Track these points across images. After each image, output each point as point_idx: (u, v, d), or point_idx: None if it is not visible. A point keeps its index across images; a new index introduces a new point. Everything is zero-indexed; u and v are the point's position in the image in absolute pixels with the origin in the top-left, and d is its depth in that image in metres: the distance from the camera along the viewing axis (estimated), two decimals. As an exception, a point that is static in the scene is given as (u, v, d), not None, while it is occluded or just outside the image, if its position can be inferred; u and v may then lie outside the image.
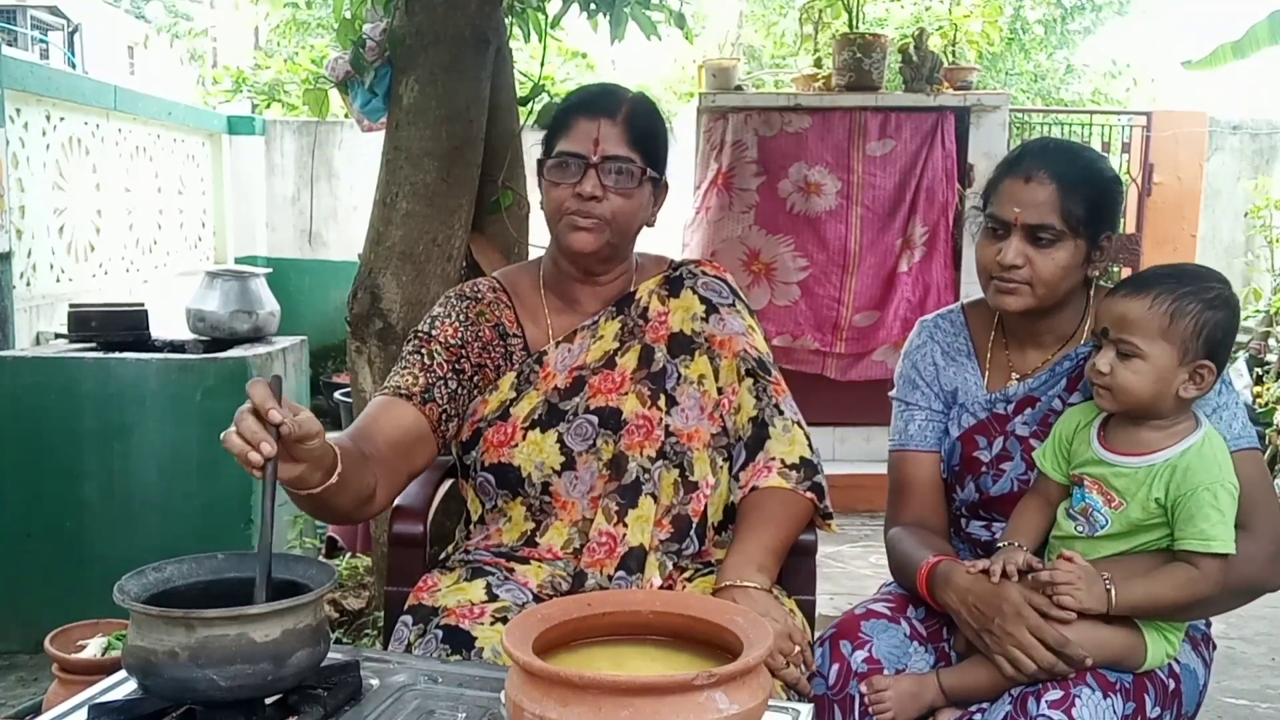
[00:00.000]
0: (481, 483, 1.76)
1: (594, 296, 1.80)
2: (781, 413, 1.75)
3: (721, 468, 1.75)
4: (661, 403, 1.73)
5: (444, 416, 1.73)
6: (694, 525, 1.71)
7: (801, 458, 1.72)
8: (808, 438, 1.76)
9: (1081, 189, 1.65)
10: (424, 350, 1.75)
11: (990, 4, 5.82)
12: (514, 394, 1.75)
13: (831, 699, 1.63)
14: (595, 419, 1.72)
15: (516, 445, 1.71)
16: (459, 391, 1.75)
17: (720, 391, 1.76)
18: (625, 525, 1.69)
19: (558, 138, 1.71)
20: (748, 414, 1.75)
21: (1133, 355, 1.53)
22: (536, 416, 1.73)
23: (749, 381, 1.76)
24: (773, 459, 1.71)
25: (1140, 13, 15.40)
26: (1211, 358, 1.53)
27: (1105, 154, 6.06)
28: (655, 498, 1.70)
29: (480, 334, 1.78)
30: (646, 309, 1.80)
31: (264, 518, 1.28)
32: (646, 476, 1.70)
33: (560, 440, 1.71)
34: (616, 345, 1.77)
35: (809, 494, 1.70)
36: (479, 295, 1.82)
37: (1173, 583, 1.50)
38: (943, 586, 1.62)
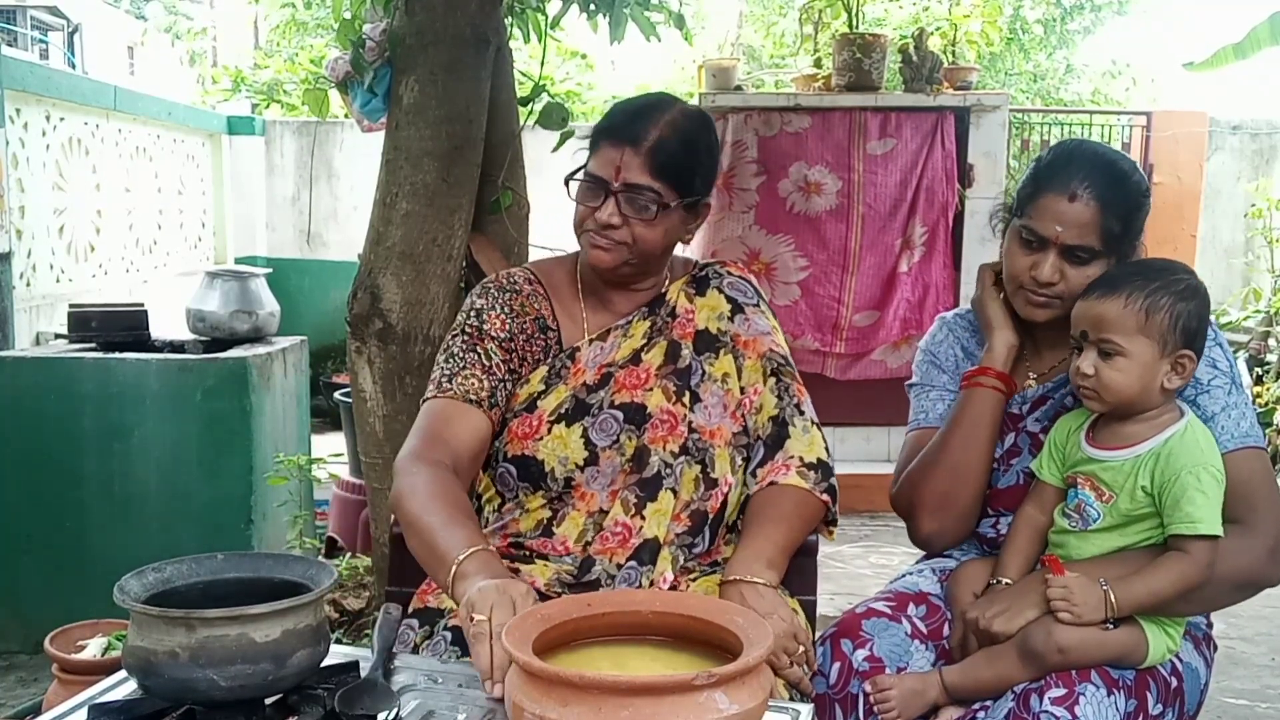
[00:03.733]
0: (502, 474, 1.75)
1: (628, 299, 1.81)
2: (802, 413, 1.76)
3: (740, 466, 1.75)
4: (686, 399, 1.74)
5: (503, 419, 1.75)
6: (710, 521, 1.71)
7: (819, 459, 1.72)
8: (824, 440, 1.76)
9: (1120, 209, 1.65)
10: (479, 349, 1.74)
11: (990, 4, 5.81)
12: (543, 387, 1.75)
13: (833, 698, 1.64)
14: (620, 414, 1.73)
15: (541, 439, 1.71)
16: (513, 393, 1.76)
17: (743, 391, 1.76)
18: (643, 518, 1.68)
19: (591, 154, 1.72)
20: (769, 413, 1.75)
21: (1115, 354, 1.55)
22: (563, 410, 1.73)
23: (772, 381, 1.77)
24: (792, 457, 1.71)
25: (1140, 13, 15.40)
26: (1189, 346, 1.56)
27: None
28: (675, 492, 1.70)
29: (525, 326, 1.78)
30: (675, 307, 1.81)
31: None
32: (669, 471, 1.70)
33: (585, 435, 1.71)
34: (644, 342, 1.78)
35: (824, 496, 1.70)
36: (517, 287, 1.81)
37: (1168, 573, 1.52)
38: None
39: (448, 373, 1.73)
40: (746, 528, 1.69)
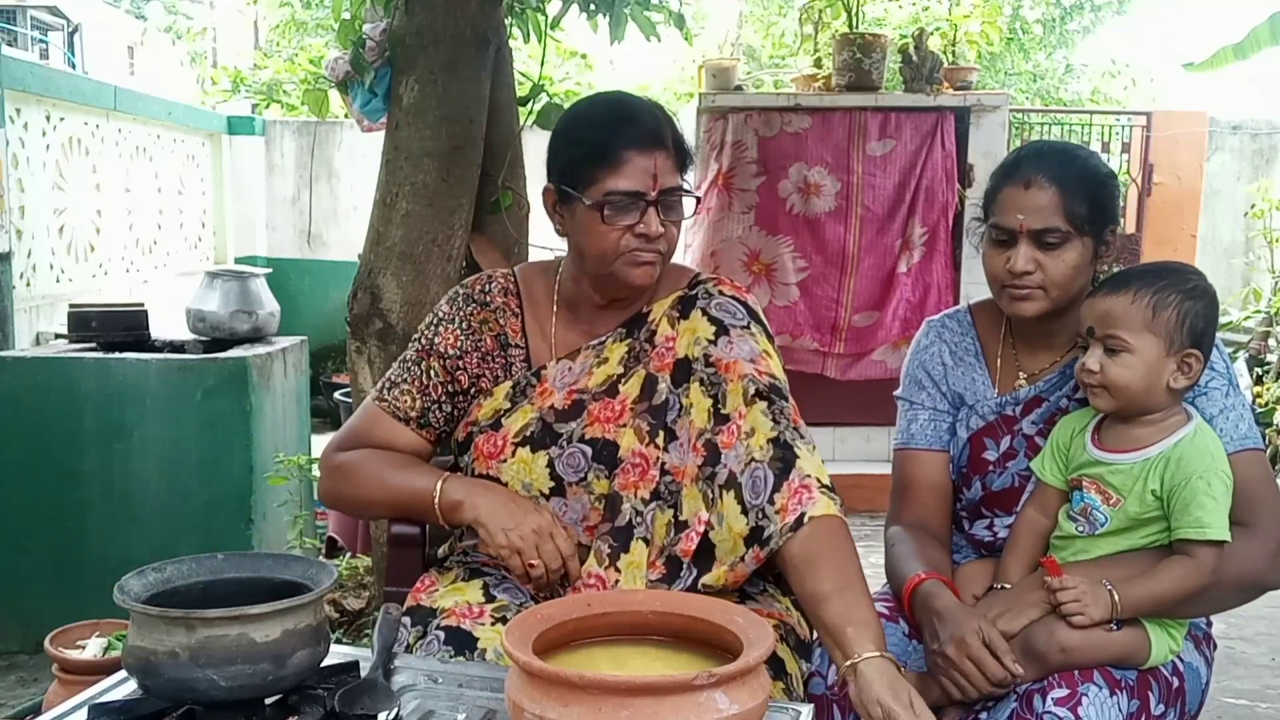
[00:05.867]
0: None
1: (607, 319, 1.73)
2: (803, 436, 1.59)
3: (716, 501, 1.57)
4: (660, 439, 1.64)
5: (441, 436, 1.78)
6: (684, 565, 1.61)
7: (829, 482, 1.56)
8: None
9: (1081, 188, 1.66)
10: (423, 364, 1.75)
11: (990, 4, 5.82)
12: (508, 404, 1.71)
13: (831, 699, 1.63)
14: (589, 450, 1.66)
15: (505, 460, 1.67)
16: (454, 414, 1.76)
17: (726, 419, 1.60)
18: (618, 570, 1.63)
19: (601, 173, 1.59)
20: (765, 435, 1.57)
21: (1121, 350, 1.55)
22: (530, 434, 1.67)
23: (761, 404, 1.59)
24: (808, 477, 1.53)
25: (1139, 12, 15.42)
26: (1197, 346, 1.56)
27: (1104, 153, 6.09)
28: (648, 541, 1.63)
29: (481, 343, 1.74)
30: (655, 332, 1.70)
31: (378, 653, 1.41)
32: (639, 520, 1.64)
33: (550, 465, 1.66)
34: (620, 371, 1.69)
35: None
36: (488, 300, 1.76)
37: (1171, 577, 1.52)
38: (921, 607, 1.63)
39: (391, 381, 1.78)
40: (821, 582, 1.46)
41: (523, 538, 1.56)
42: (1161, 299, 1.54)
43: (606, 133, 1.61)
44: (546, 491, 1.67)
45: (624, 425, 1.66)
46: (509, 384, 1.72)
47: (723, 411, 1.61)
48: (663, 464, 1.64)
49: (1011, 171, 1.70)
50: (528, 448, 1.67)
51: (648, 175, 1.58)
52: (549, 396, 1.69)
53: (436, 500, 1.62)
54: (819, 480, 1.53)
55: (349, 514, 1.81)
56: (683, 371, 1.67)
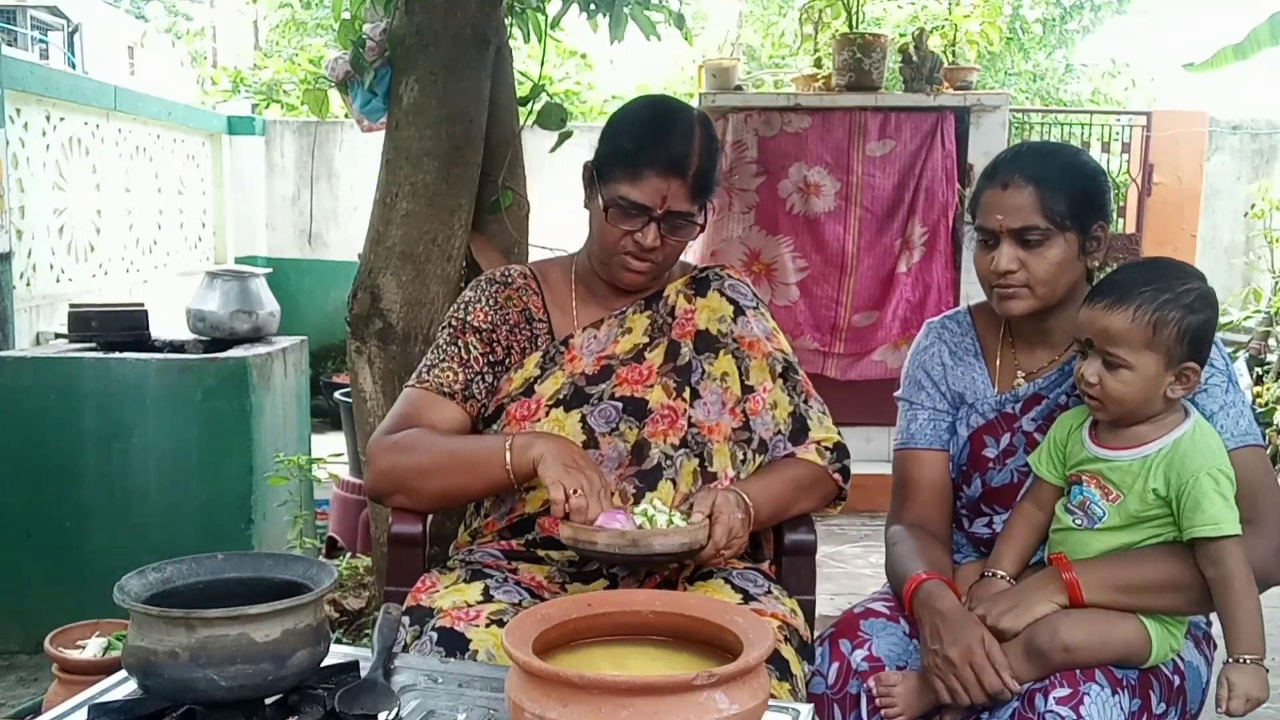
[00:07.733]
0: None
1: (625, 298, 1.86)
2: (812, 406, 1.86)
3: (744, 462, 1.78)
4: (686, 395, 1.79)
5: (482, 410, 1.82)
6: None
7: (836, 442, 1.84)
8: (836, 428, 1.87)
9: (1060, 185, 1.67)
10: (460, 342, 1.82)
11: (989, 3, 5.81)
12: (539, 372, 1.80)
13: (831, 698, 1.64)
14: (619, 405, 1.78)
15: (539, 420, 1.75)
16: (495, 385, 1.82)
17: (751, 390, 1.82)
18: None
19: (621, 176, 1.71)
20: (786, 409, 1.83)
21: (1120, 367, 1.54)
22: (561, 396, 1.77)
23: (781, 381, 1.85)
24: (812, 441, 1.82)
25: (1139, 12, 15.41)
26: (1195, 358, 1.55)
27: (1104, 153, 6.09)
28: (675, 483, 1.74)
29: (508, 317, 1.84)
30: (674, 307, 1.86)
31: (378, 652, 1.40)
32: (669, 463, 1.75)
33: (583, 420, 1.76)
34: (646, 340, 1.83)
35: (836, 474, 1.82)
36: (509, 280, 1.89)
37: (1250, 598, 1.50)
38: (922, 606, 1.64)
39: (429, 364, 1.83)
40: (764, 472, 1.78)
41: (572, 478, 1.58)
42: (1162, 317, 1.52)
43: (637, 144, 1.72)
44: (580, 445, 1.73)
45: (651, 385, 1.79)
46: (538, 354, 1.82)
47: (748, 383, 1.83)
48: (690, 416, 1.77)
49: (991, 174, 1.73)
50: (560, 408, 1.76)
51: (658, 195, 1.70)
52: (578, 363, 1.80)
53: (508, 445, 1.63)
54: (819, 442, 1.82)
55: (404, 495, 1.72)
56: (704, 341, 1.84)
